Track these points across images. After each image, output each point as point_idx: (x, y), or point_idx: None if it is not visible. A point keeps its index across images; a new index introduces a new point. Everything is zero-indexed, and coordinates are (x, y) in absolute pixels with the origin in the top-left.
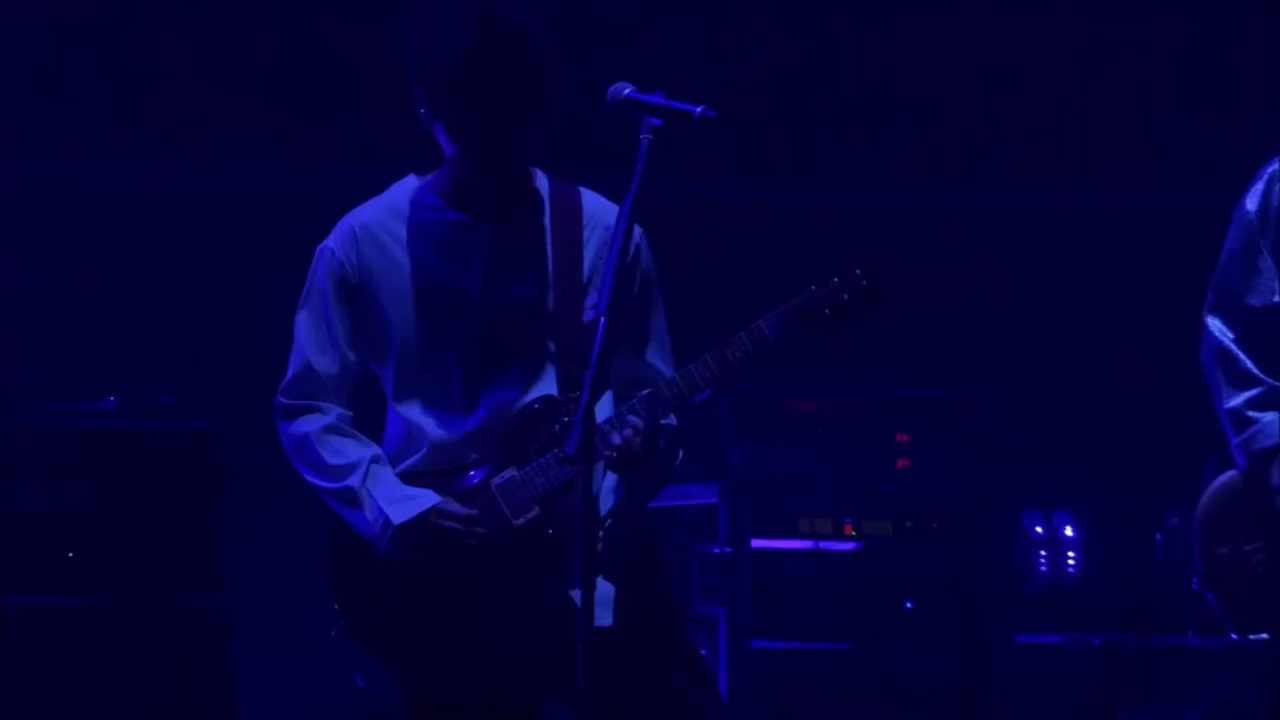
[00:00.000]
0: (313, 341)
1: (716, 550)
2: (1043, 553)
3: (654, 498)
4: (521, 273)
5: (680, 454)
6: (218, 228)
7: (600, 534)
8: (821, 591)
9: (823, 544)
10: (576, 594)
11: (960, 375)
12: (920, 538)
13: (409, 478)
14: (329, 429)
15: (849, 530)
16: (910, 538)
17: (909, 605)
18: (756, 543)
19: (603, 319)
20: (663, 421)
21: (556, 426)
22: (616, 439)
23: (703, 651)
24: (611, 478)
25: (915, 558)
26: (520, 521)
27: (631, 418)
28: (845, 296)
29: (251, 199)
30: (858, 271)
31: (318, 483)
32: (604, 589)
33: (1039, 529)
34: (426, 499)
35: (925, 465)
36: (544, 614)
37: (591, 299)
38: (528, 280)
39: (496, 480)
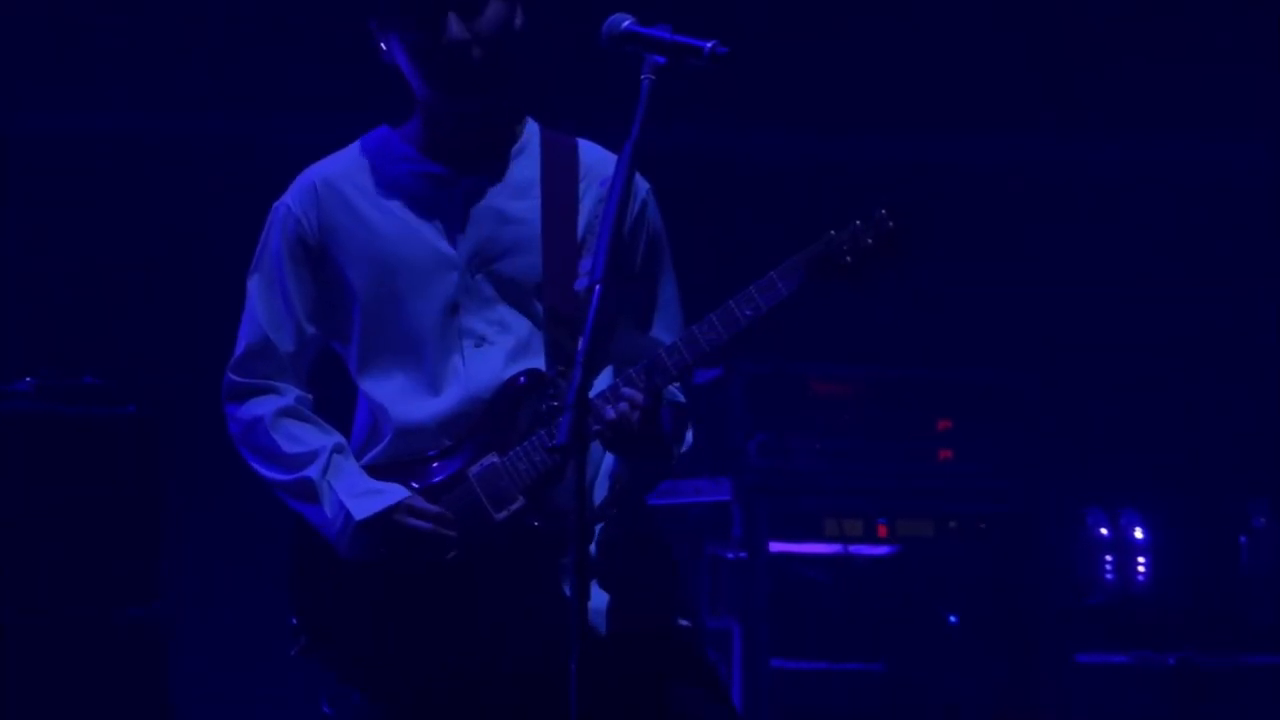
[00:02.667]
0: (266, 313)
1: (729, 555)
2: (1108, 557)
3: (656, 487)
4: (506, 231)
5: (689, 437)
6: (153, 179)
7: (594, 530)
8: (850, 603)
9: (852, 548)
10: (568, 592)
11: (1012, 353)
12: (965, 540)
13: (373, 471)
14: (285, 412)
15: (882, 532)
16: (953, 540)
17: (952, 619)
18: (775, 546)
19: (598, 286)
20: (668, 399)
21: (544, 405)
22: (610, 414)
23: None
24: (609, 461)
25: (959, 563)
26: (503, 515)
27: (627, 390)
28: (869, 240)
29: (194, 146)
30: (883, 212)
31: (271, 475)
32: (597, 597)
33: (1103, 530)
34: (393, 493)
35: (971, 456)
36: (532, 621)
37: (586, 262)
38: (513, 239)
39: (474, 469)
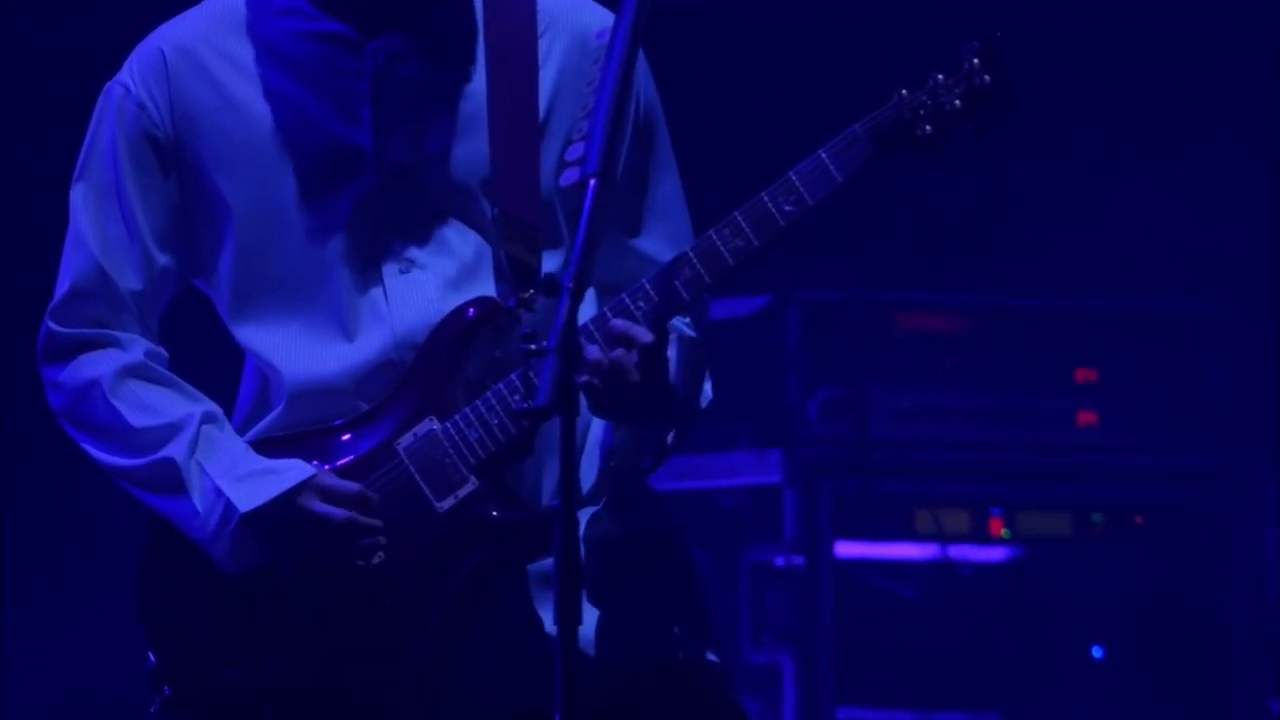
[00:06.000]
0: (98, 237)
1: (779, 561)
2: None
3: (664, 462)
4: (439, 110)
5: (708, 389)
6: None
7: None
8: (951, 629)
9: (954, 550)
10: (546, 616)
11: (1181, 272)
12: (1115, 541)
13: (262, 448)
14: (130, 372)
15: (997, 529)
16: (1099, 541)
17: (1097, 653)
18: (843, 549)
19: (593, 181)
20: (675, 334)
21: (499, 350)
22: (596, 355)
23: None
24: (597, 430)
25: (1107, 573)
26: (448, 504)
27: (619, 323)
28: (956, 102)
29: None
30: (976, 62)
31: (112, 460)
32: (584, 618)
33: None
34: (292, 472)
35: (1123, 420)
36: (494, 654)
37: (574, 149)
38: (447, 121)
39: (404, 440)
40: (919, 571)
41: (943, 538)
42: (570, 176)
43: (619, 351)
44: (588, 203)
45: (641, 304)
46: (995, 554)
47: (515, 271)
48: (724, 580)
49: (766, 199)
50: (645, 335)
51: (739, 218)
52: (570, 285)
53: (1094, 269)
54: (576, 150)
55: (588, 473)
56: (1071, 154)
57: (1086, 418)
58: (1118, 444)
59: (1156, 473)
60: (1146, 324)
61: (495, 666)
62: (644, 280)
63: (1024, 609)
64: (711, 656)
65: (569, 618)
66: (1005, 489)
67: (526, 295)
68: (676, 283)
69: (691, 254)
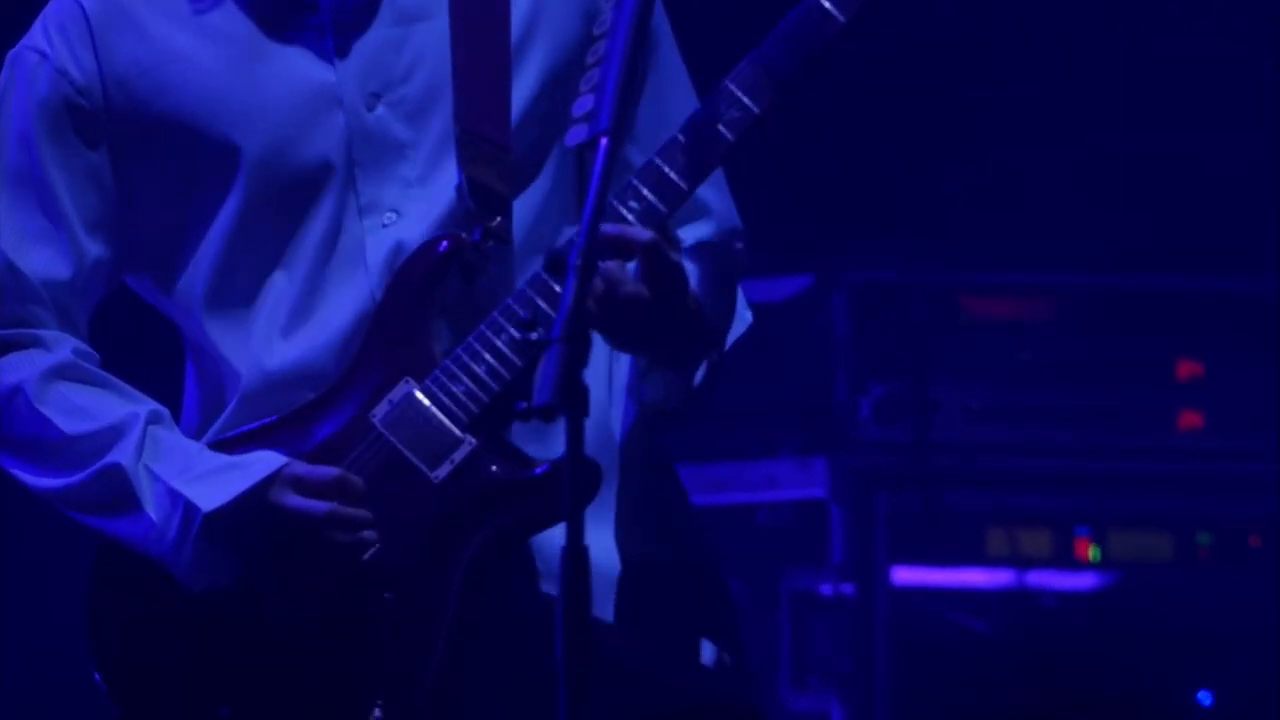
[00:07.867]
0: (16, 224)
1: (825, 589)
2: None
3: (693, 398)
4: (413, 33)
5: (747, 313)
6: None
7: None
8: (1029, 669)
9: (1032, 577)
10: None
11: None
12: (1224, 566)
13: (220, 448)
14: (58, 373)
15: (1084, 552)
16: (1205, 566)
17: (1204, 699)
18: (901, 575)
19: (604, 140)
20: (689, 243)
21: (472, 291)
22: (574, 259)
23: None
24: (626, 365)
25: (1215, 605)
26: (444, 471)
27: (609, 227)
28: None
29: None
30: None
31: (45, 480)
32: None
33: None
34: (258, 464)
35: (1234, 422)
36: (503, 645)
37: (581, 103)
38: (421, 44)
39: (380, 410)
40: (992, 602)
41: (1020, 562)
42: (578, 134)
43: (611, 263)
44: (598, 165)
45: (633, 204)
46: (1082, 581)
47: (478, 197)
48: (761, 611)
49: (768, 47)
50: (642, 234)
51: (730, 85)
52: (578, 263)
53: (1197, 243)
54: (584, 104)
55: (618, 421)
56: (1171, 107)
57: (1190, 419)
58: (1227, 450)
59: (1273, 484)
60: (1260, 308)
61: (505, 652)
62: (631, 178)
63: (1117, 646)
64: (750, 699)
65: (576, 643)
66: (1094, 504)
67: (494, 224)
68: (669, 172)
69: (681, 136)
